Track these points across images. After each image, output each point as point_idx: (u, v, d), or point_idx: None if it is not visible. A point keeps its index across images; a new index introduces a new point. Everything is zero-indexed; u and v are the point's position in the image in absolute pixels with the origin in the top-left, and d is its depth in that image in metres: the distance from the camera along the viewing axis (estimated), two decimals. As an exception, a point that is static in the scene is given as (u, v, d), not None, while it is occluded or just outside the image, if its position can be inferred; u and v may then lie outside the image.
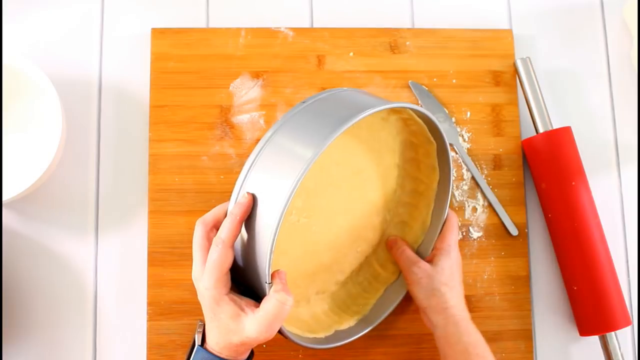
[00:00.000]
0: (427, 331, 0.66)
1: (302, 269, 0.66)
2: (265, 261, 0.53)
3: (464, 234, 0.74)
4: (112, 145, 0.74)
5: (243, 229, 0.55)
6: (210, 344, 0.56)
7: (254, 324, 0.54)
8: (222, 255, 0.54)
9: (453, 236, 0.69)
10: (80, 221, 0.73)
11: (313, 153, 0.51)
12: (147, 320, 0.70)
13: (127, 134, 0.74)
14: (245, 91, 0.75)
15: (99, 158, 0.74)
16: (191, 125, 0.74)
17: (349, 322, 0.68)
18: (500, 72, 0.78)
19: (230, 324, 0.54)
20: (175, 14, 0.78)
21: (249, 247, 0.55)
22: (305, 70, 0.76)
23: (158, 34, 0.75)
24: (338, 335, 0.67)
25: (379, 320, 0.69)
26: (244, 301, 0.55)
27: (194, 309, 0.69)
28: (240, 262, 0.57)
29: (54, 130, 0.68)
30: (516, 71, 0.77)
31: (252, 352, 0.59)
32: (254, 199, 0.54)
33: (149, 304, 0.70)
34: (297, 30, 0.77)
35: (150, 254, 0.71)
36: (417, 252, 0.70)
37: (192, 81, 0.75)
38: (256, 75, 0.75)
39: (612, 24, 0.81)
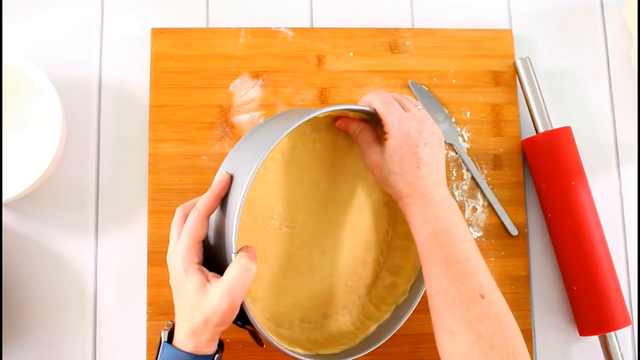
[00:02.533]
0: (427, 331, 0.66)
1: (282, 284, 0.66)
2: (232, 234, 0.55)
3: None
4: (112, 145, 0.74)
5: (220, 211, 0.57)
6: (177, 337, 0.55)
7: (216, 291, 0.53)
8: (196, 223, 0.56)
9: (389, 113, 0.60)
10: (80, 221, 0.73)
11: (272, 141, 0.57)
12: (147, 320, 0.70)
13: (127, 134, 0.74)
14: (245, 91, 0.75)
15: (99, 158, 0.74)
16: (191, 125, 0.74)
17: (332, 350, 0.66)
18: (500, 72, 0.78)
19: (195, 297, 0.54)
20: (175, 14, 0.78)
21: (221, 226, 0.57)
22: (305, 70, 0.76)
23: (158, 34, 0.75)
24: (318, 355, 0.65)
25: (367, 352, 0.66)
26: (212, 274, 0.56)
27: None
28: (212, 241, 0.58)
29: (54, 130, 0.68)
30: (516, 71, 0.77)
31: (221, 347, 0.58)
32: (231, 179, 0.58)
33: (149, 304, 0.70)
34: (297, 30, 0.77)
35: (150, 254, 0.71)
36: (410, 291, 0.68)
37: (192, 81, 0.75)
38: (256, 75, 0.75)
39: (612, 24, 0.81)
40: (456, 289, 0.55)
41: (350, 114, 0.66)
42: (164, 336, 0.56)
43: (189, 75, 0.75)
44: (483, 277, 0.56)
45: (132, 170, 0.74)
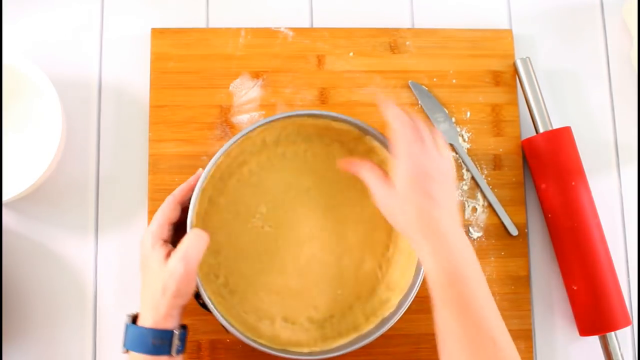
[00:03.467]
0: (426, 331, 0.66)
1: (267, 284, 0.68)
2: (191, 215, 0.62)
3: (464, 234, 0.74)
4: (112, 145, 0.74)
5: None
6: (140, 316, 0.58)
7: (173, 258, 0.57)
8: (169, 205, 0.62)
9: (401, 147, 0.57)
10: (80, 221, 0.73)
11: (235, 139, 0.65)
12: (147, 320, 0.70)
13: (127, 134, 0.74)
14: (245, 91, 0.75)
15: (99, 158, 0.74)
16: (191, 125, 0.74)
17: (310, 349, 0.67)
18: (500, 72, 0.78)
19: (157, 270, 0.57)
20: (175, 14, 0.78)
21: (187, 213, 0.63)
22: (305, 70, 0.76)
23: (158, 34, 0.75)
24: (284, 350, 0.66)
25: (328, 356, 0.66)
26: (174, 249, 0.59)
27: (193, 310, 0.68)
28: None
29: (54, 130, 0.68)
30: (516, 71, 0.77)
31: (184, 329, 0.59)
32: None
33: (149, 304, 0.70)
34: (297, 30, 0.77)
35: (150, 254, 0.71)
36: (397, 305, 0.67)
37: (192, 81, 0.75)
38: (256, 75, 0.75)
39: (612, 24, 0.81)
40: (468, 333, 0.54)
41: (334, 124, 0.68)
42: (128, 319, 0.59)
43: (189, 75, 0.75)
44: (495, 323, 0.55)
45: (132, 170, 0.74)
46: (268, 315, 0.68)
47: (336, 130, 0.69)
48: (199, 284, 0.62)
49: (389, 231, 0.71)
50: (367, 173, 0.61)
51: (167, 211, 0.61)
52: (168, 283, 0.56)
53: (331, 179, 0.70)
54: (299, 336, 0.68)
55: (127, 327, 0.58)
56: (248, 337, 0.64)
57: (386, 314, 0.68)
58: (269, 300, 0.68)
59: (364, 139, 0.70)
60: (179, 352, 0.58)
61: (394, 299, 0.68)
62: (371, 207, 0.69)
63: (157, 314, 0.57)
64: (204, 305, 0.64)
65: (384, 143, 0.68)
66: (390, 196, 0.58)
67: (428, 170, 0.57)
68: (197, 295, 0.64)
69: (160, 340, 0.56)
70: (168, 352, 0.57)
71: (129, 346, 0.57)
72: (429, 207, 0.56)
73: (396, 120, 0.59)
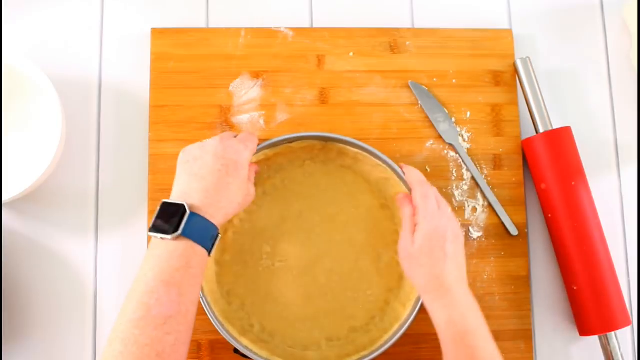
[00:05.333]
0: (426, 331, 0.66)
1: (299, 313, 0.69)
2: None
3: (464, 234, 0.74)
4: (112, 145, 0.74)
5: None
6: (206, 212, 0.58)
7: (253, 188, 0.65)
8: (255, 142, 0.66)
9: (424, 206, 0.63)
10: (80, 221, 0.73)
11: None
12: (147, 320, 0.70)
13: (127, 134, 0.74)
14: (245, 91, 0.75)
15: (99, 158, 0.74)
16: (191, 125, 0.74)
17: (359, 354, 0.68)
18: (500, 72, 0.78)
19: (242, 185, 0.61)
20: (175, 14, 0.78)
21: None
22: (305, 70, 0.76)
23: (158, 34, 0.75)
24: None
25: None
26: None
27: (193, 309, 0.69)
28: None
29: (54, 130, 0.68)
30: (516, 71, 0.77)
31: (217, 235, 0.60)
32: None
33: (149, 303, 0.70)
34: (297, 30, 0.77)
35: (150, 254, 0.71)
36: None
37: (192, 81, 0.75)
38: (256, 75, 0.75)
39: (612, 24, 0.81)
40: None
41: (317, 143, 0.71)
42: (187, 207, 0.57)
43: (189, 75, 0.75)
44: None
45: (132, 170, 0.74)
46: (312, 342, 0.69)
47: (300, 149, 0.72)
48: (233, 340, 0.65)
49: (392, 217, 0.72)
50: (408, 219, 0.65)
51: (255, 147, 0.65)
52: (246, 201, 0.63)
53: (317, 195, 0.72)
54: (348, 350, 0.69)
55: (192, 215, 0.57)
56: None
57: (390, 330, 0.69)
58: (307, 328, 0.69)
59: (327, 146, 0.72)
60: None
61: (404, 314, 0.69)
62: (364, 203, 0.72)
63: (225, 218, 0.60)
64: (245, 356, 0.66)
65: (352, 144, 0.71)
66: (412, 247, 0.63)
67: (443, 231, 0.63)
68: (236, 350, 0.65)
69: (215, 237, 0.59)
70: (211, 249, 0.59)
71: (187, 233, 0.56)
72: (443, 260, 0.61)
73: (419, 185, 0.65)
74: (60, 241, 0.72)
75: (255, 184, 0.69)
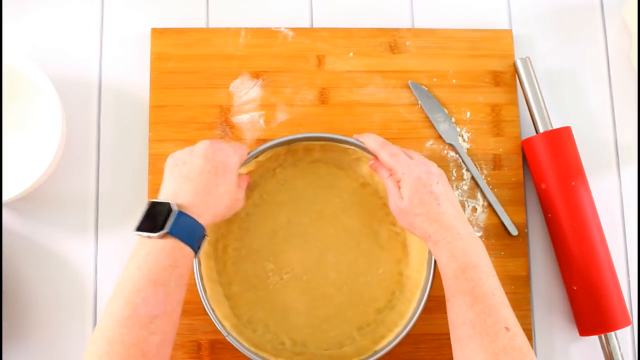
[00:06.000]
0: (427, 331, 0.66)
1: (322, 315, 0.70)
2: None
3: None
4: (112, 145, 0.74)
5: None
6: (193, 211, 0.58)
7: (242, 192, 0.65)
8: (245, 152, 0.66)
9: (398, 163, 0.64)
10: (80, 221, 0.73)
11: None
12: (147, 320, 0.70)
13: (127, 134, 0.75)
14: (245, 91, 0.75)
15: (99, 158, 0.74)
16: (191, 125, 0.74)
17: (373, 349, 0.69)
18: (500, 72, 0.78)
19: (231, 189, 0.61)
20: (175, 14, 0.78)
21: None
22: (305, 70, 0.76)
23: (158, 34, 0.75)
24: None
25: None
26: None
27: (193, 309, 0.69)
28: None
29: (54, 130, 0.68)
30: (516, 71, 0.77)
31: (204, 235, 0.60)
32: None
33: (149, 304, 0.70)
34: (297, 30, 0.77)
35: (150, 254, 0.71)
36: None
37: (192, 81, 0.75)
38: (256, 75, 0.75)
39: (612, 24, 0.81)
40: (483, 321, 0.57)
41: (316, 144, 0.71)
42: (174, 206, 0.57)
43: (189, 75, 0.75)
44: (507, 311, 0.58)
45: (132, 170, 0.74)
46: (345, 337, 0.70)
47: (266, 160, 0.71)
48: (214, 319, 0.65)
49: (375, 192, 0.72)
50: (389, 180, 0.65)
51: (245, 154, 0.66)
52: (235, 206, 0.63)
53: (298, 198, 0.72)
54: (381, 331, 0.69)
55: (179, 214, 0.57)
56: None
57: (389, 335, 0.69)
58: (334, 326, 0.70)
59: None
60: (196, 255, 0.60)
61: (401, 322, 0.69)
62: (344, 189, 0.72)
63: (213, 219, 0.60)
64: None
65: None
66: (402, 203, 0.63)
67: (425, 177, 0.63)
68: None
69: (202, 238, 0.59)
70: (198, 250, 0.59)
71: (174, 232, 0.56)
72: (435, 202, 0.62)
73: (382, 148, 0.66)
74: (60, 241, 0.72)
75: (247, 204, 0.70)
